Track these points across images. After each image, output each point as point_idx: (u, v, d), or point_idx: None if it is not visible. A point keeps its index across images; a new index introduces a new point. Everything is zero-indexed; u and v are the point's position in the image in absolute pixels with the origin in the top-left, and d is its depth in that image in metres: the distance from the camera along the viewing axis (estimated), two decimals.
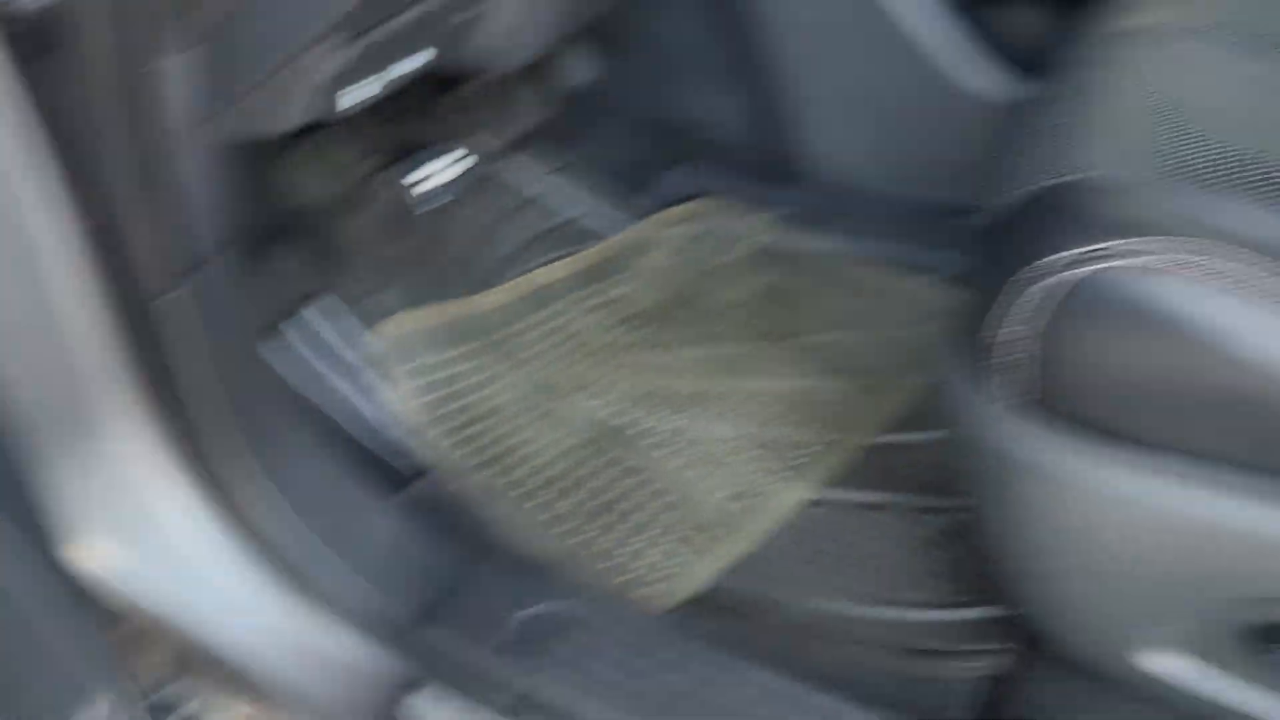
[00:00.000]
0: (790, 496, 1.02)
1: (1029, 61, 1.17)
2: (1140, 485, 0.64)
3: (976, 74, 1.20)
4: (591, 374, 1.16)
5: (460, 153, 1.29)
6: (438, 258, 1.26)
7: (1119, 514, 0.66)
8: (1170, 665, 0.72)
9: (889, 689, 0.84)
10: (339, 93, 0.83)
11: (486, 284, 1.26)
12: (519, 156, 1.37)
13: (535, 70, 1.32)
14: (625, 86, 1.45)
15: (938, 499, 0.99)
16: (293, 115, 0.81)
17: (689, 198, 1.41)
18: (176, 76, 0.68)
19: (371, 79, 0.84)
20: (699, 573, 0.95)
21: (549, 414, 1.11)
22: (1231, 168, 0.64)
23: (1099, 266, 0.60)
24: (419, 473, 1.04)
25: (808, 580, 0.94)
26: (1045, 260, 0.62)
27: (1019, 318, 0.64)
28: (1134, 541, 0.66)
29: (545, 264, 1.31)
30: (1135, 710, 0.76)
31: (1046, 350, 0.63)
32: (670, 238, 1.36)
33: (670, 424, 1.09)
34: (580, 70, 1.44)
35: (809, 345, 1.18)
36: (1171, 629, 0.70)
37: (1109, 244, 0.60)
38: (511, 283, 1.27)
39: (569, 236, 1.35)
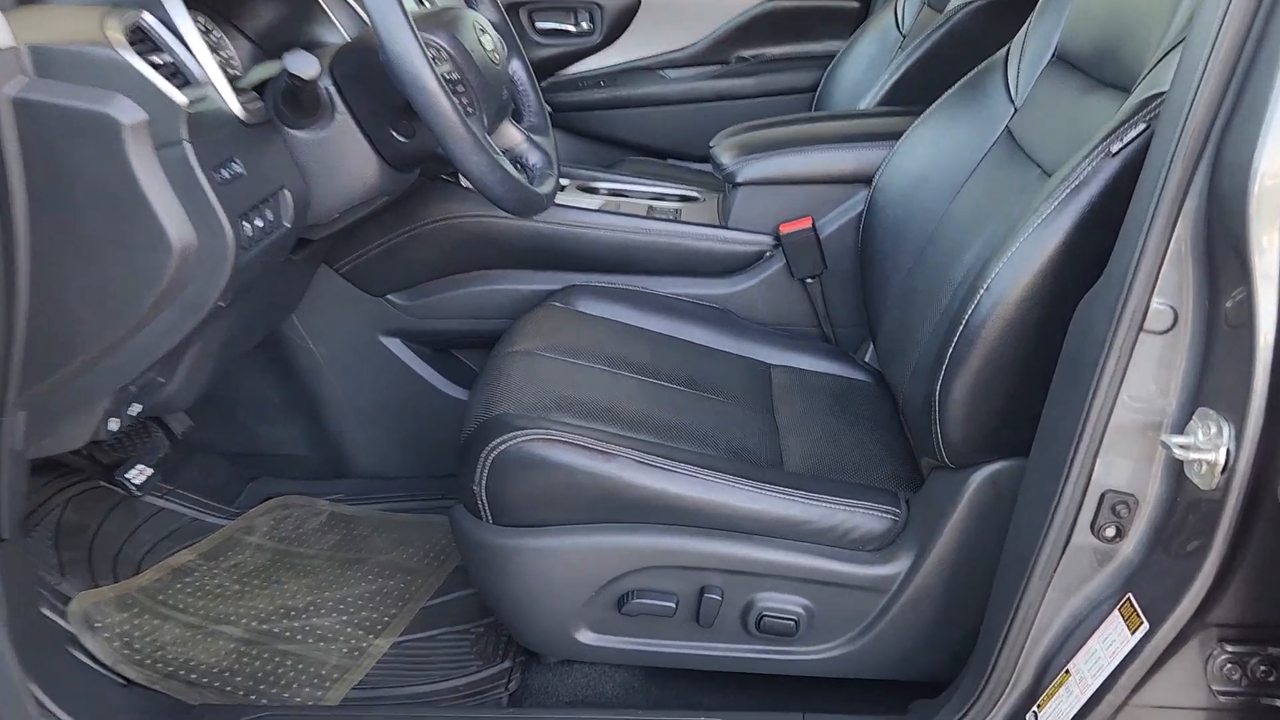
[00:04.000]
0: (383, 644, 1.66)
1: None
2: (550, 543, 1.40)
3: (446, 384, 2.03)
4: (230, 609, 1.73)
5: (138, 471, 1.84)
6: (103, 553, 1.78)
7: (546, 559, 1.41)
8: (591, 637, 1.47)
9: (463, 713, 1.50)
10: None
11: (139, 569, 1.79)
12: (151, 480, 1.93)
13: (157, 419, 1.94)
14: (216, 430, 2.09)
15: (475, 619, 1.69)
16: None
17: (271, 497, 2.06)
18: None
19: (113, 420, 1.41)
20: (338, 692, 1.55)
21: (210, 636, 1.66)
22: (559, 400, 1.48)
23: (503, 446, 1.38)
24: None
25: (410, 679, 1.58)
26: (483, 453, 1.39)
27: (476, 480, 1.39)
28: (554, 570, 1.41)
29: (176, 552, 1.86)
30: (586, 668, 1.50)
31: (488, 493, 1.39)
32: (261, 524, 1.98)
33: (298, 623, 1.70)
34: (180, 422, 2.06)
35: (375, 564, 1.86)
36: (586, 615, 1.45)
37: (505, 436, 1.38)
38: (155, 566, 1.81)
39: (192, 532, 1.92)
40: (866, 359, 1.93)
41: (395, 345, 2.03)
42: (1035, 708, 1.20)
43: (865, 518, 1.40)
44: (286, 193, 1.39)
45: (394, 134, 1.47)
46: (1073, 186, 1.22)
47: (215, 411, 2.09)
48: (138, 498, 1.86)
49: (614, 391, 1.56)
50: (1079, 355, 1.14)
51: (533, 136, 1.67)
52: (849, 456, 1.56)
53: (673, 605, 1.42)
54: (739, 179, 1.95)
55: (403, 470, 2.12)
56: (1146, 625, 1.09)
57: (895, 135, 1.90)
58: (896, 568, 1.39)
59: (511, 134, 1.64)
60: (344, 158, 1.46)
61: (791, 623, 1.42)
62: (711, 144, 2.11)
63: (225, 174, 1.23)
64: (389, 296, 2.00)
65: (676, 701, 1.54)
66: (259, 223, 1.30)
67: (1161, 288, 1.07)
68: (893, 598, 1.40)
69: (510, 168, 1.42)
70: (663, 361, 1.72)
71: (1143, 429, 1.10)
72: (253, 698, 1.55)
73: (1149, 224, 1.05)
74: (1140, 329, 1.08)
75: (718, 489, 1.38)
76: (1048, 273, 1.23)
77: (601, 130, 2.98)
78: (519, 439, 1.38)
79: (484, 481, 1.40)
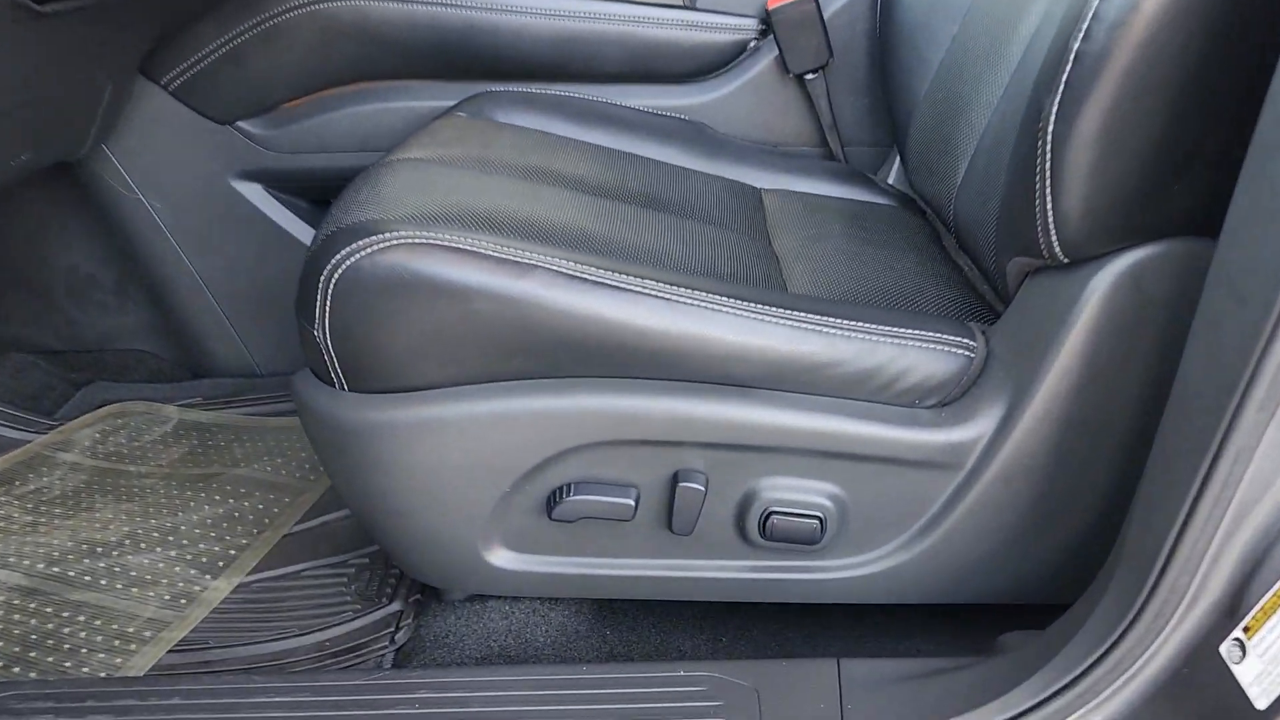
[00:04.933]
0: (223, 586, 1.15)
1: None
2: (435, 414, 0.90)
3: None
4: (11, 549, 1.22)
5: None
6: None
7: (431, 439, 0.90)
8: (509, 558, 0.97)
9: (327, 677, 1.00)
10: None
11: None
12: None
13: None
14: (24, 320, 1.57)
15: (347, 553, 1.19)
16: None
17: (104, 404, 1.54)
18: None
19: None
20: (147, 657, 1.05)
21: None
22: (452, 210, 0.96)
23: (352, 260, 0.86)
24: None
25: (255, 633, 1.08)
26: (322, 277, 0.88)
27: (316, 320, 0.88)
28: (444, 457, 0.91)
29: None
30: (506, 606, 0.99)
31: (335, 339, 0.88)
32: (82, 438, 1.47)
33: (104, 563, 1.19)
34: None
35: (228, 480, 1.35)
36: (499, 524, 0.95)
37: (356, 244, 0.87)
38: None
39: None
40: (890, 180, 1.42)
41: (254, 193, 1.51)
42: (1240, 631, 0.71)
43: (924, 354, 0.90)
44: None
45: None
46: None
47: (21, 295, 1.56)
48: None
49: (539, 204, 1.04)
50: None
51: None
52: (882, 281, 1.06)
53: (630, 503, 0.92)
54: None
55: (277, 365, 1.61)
56: None
57: None
58: (975, 430, 0.90)
59: None
60: None
61: (813, 523, 0.93)
62: None
63: None
64: (240, 123, 1.47)
65: (641, 648, 1.04)
66: None
67: None
68: (970, 477, 0.91)
69: None
70: (611, 177, 1.21)
71: None
72: (16, 670, 1.04)
73: None
74: None
75: (695, 315, 0.88)
76: None
77: None
78: (377, 246, 0.87)
79: (327, 322, 0.89)
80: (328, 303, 0.88)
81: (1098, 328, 0.84)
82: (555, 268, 0.87)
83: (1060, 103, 0.78)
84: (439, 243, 0.87)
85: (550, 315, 0.86)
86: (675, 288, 0.88)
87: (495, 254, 0.87)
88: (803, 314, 0.90)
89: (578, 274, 0.87)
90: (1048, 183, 0.81)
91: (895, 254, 1.14)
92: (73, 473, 1.38)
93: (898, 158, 1.42)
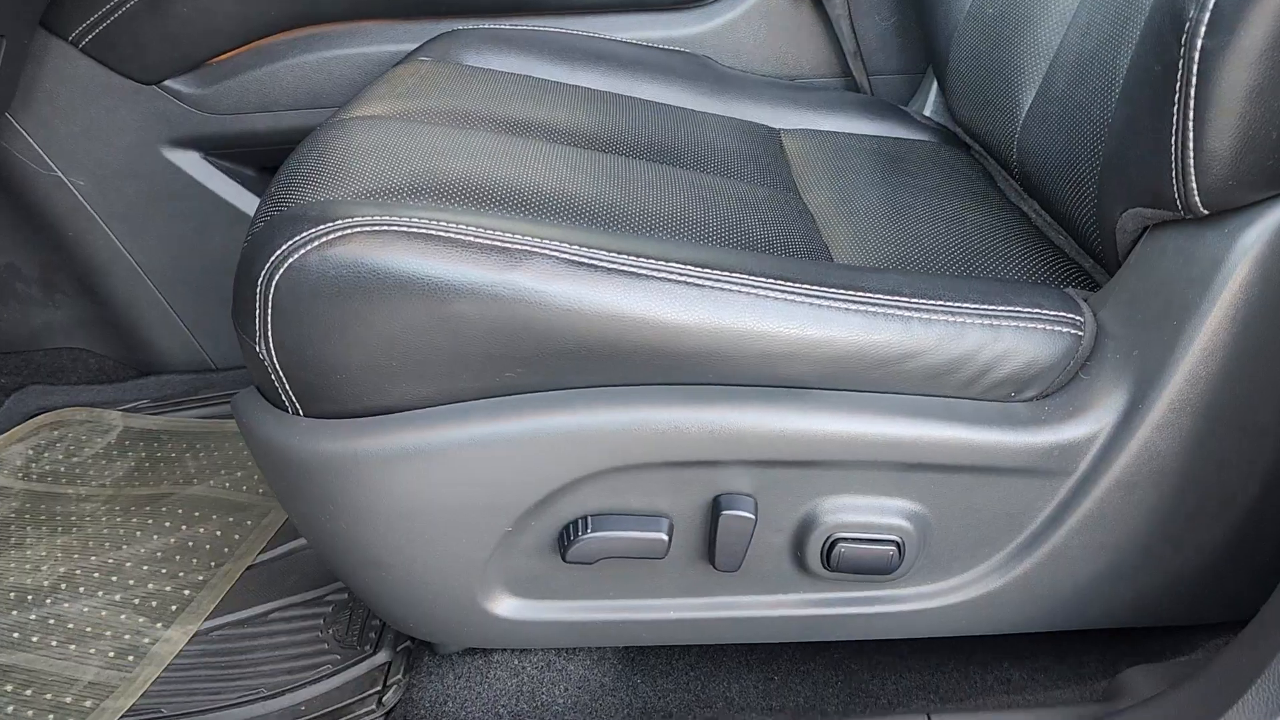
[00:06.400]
0: (177, 637, 0.98)
1: None
2: (414, 442, 0.71)
3: None
4: None
5: None
6: None
7: (411, 474, 0.72)
8: (514, 606, 0.79)
9: None
10: None
11: None
12: None
13: None
14: None
15: (322, 586, 1.01)
16: None
17: (38, 413, 1.35)
18: None
19: None
20: None
21: None
22: (417, 181, 0.77)
23: (296, 257, 0.67)
24: None
25: (216, 695, 0.91)
26: (261, 278, 0.68)
27: (257, 333, 0.70)
28: (429, 493, 0.73)
29: None
30: (515, 660, 0.82)
31: (281, 355, 0.70)
32: (13, 455, 1.28)
33: (35, 614, 1.01)
34: None
35: (180, 503, 1.17)
36: (500, 568, 0.77)
37: (299, 237, 0.67)
38: None
39: None
40: (927, 113, 1.23)
41: (190, 162, 1.31)
42: None
43: (1021, 335, 0.72)
44: None
45: None
46: None
47: None
48: None
49: (527, 167, 0.85)
50: None
51: None
52: (947, 241, 0.88)
53: (663, 537, 0.75)
54: None
55: (233, 357, 1.42)
56: None
57: None
58: (1088, 426, 0.72)
59: None
60: None
61: (888, 549, 0.75)
62: None
63: None
64: (167, 82, 1.26)
65: (679, 698, 0.87)
66: None
67: None
68: (1082, 484, 0.73)
69: None
70: (608, 125, 1.01)
71: None
72: None
73: None
74: None
75: (736, 304, 0.69)
76: None
77: None
78: (327, 237, 0.68)
79: (270, 333, 0.70)
80: (269, 310, 0.69)
81: (1249, 297, 0.66)
82: (555, 253, 0.68)
83: (1215, 6, 0.59)
84: (406, 228, 0.68)
85: (552, 314, 0.68)
86: (709, 271, 0.69)
87: (479, 239, 0.68)
88: (870, 294, 0.71)
89: (585, 259, 0.68)
90: (1189, 113, 0.62)
91: (952, 204, 0.96)
92: (0, 499, 1.20)
93: (934, 85, 1.23)
